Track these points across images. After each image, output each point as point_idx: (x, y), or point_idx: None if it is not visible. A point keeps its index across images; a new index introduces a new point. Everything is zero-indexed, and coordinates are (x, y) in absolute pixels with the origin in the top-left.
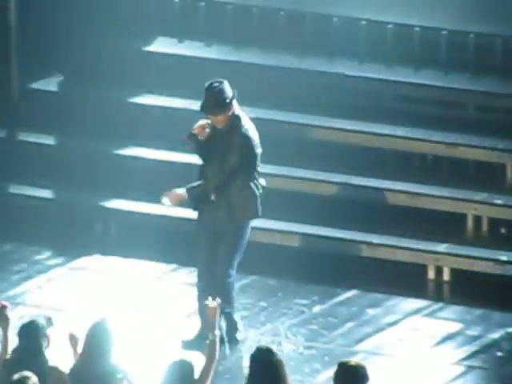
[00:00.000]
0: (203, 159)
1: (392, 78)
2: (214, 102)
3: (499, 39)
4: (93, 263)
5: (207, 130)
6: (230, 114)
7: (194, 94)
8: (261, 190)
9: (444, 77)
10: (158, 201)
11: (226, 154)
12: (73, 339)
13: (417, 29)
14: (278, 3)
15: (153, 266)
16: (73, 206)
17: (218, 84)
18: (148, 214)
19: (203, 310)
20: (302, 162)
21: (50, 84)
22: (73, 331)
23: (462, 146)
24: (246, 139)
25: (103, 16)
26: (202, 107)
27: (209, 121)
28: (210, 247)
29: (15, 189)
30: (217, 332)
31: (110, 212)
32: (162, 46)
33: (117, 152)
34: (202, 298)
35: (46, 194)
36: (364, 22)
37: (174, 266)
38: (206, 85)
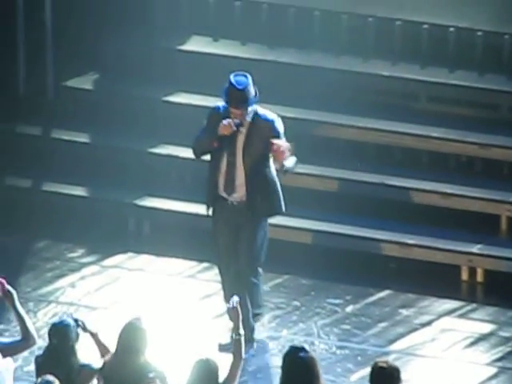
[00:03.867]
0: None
1: (427, 79)
2: (247, 96)
3: None
4: (126, 261)
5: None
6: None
7: None
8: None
9: (479, 78)
10: (190, 199)
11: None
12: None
13: (452, 29)
14: (312, 3)
15: (186, 264)
16: (106, 204)
17: (246, 78)
18: (181, 212)
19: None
20: (337, 162)
21: (85, 82)
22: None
23: (495, 147)
24: (275, 123)
25: (138, 14)
26: (238, 102)
27: (230, 120)
28: (229, 244)
29: (49, 186)
30: (241, 331)
31: (143, 210)
32: (196, 44)
33: (150, 150)
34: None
35: (80, 191)
36: (399, 23)
37: (206, 264)
38: (235, 80)
